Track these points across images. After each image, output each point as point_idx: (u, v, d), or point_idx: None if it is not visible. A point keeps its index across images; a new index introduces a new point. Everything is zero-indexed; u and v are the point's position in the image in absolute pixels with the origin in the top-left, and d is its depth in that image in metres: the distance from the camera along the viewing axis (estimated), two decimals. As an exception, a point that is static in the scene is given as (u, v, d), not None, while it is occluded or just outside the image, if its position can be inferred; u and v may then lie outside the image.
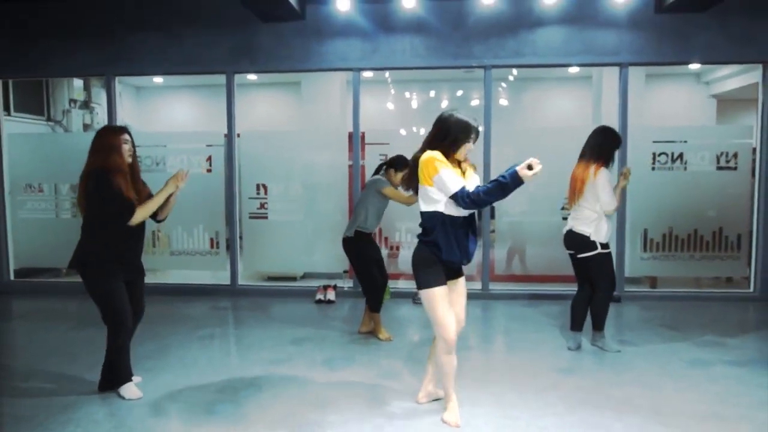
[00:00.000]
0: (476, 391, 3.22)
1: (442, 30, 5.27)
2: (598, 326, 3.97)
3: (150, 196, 3.20)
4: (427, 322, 4.71)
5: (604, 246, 3.82)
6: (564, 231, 3.97)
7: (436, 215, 2.71)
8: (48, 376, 3.51)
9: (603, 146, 3.83)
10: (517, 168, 2.59)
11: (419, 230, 2.86)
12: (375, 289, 4.21)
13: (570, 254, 3.99)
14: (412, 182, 2.85)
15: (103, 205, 3.04)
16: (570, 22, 5.18)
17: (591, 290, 3.96)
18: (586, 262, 3.86)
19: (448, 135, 2.72)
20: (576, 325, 3.99)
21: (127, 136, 3.15)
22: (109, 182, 3.00)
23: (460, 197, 2.61)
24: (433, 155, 2.68)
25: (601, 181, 3.74)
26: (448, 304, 2.75)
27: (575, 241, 3.88)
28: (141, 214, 3.08)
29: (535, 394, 3.19)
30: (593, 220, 3.80)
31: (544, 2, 5.07)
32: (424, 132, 5.93)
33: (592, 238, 3.79)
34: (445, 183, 2.63)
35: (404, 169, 4.05)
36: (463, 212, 2.73)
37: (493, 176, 5.35)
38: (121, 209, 3.03)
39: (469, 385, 3.27)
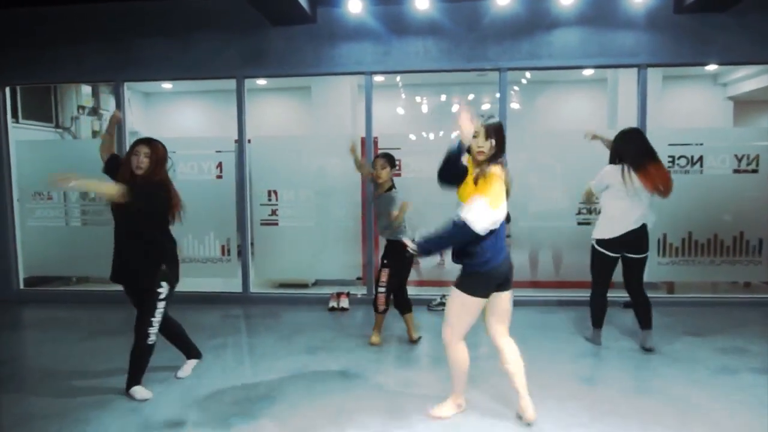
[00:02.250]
0: (497, 401, 3.12)
1: (456, 32, 5.19)
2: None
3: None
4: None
5: (600, 244, 3.94)
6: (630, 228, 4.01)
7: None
8: (59, 388, 3.45)
9: (618, 150, 3.95)
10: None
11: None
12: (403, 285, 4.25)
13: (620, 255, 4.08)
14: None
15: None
16: (587, 23, 5.09)
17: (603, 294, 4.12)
18: (641, 262, 4.04)
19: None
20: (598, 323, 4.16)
21: (139, 147, 3.22)
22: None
23: (463, 226, 2.57)
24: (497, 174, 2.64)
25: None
26: (474, 319, 2.73)
27: (643, 238, 4.00)
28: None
29: (558, 404, 3.10)
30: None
31: (561, 3, 4.98)
32: (434, 137, 5.89)
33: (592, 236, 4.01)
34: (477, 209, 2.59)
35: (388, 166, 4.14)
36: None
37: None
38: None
39: (490, 395, 3.17)
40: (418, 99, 8.79)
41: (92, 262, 5.86)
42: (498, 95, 5.39)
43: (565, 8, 5.04)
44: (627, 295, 4.13)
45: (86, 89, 7.64)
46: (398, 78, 7.84)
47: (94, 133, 7.65)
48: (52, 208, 5.98)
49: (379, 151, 5.46)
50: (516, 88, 8.09)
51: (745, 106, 8.36)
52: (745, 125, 8.30)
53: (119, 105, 5.73)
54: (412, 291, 5.59)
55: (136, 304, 3.29)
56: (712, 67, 7.52)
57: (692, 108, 8.16)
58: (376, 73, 5.42)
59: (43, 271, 6.14)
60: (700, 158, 5.26)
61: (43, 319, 5.21)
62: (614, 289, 4.19)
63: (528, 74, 6.90)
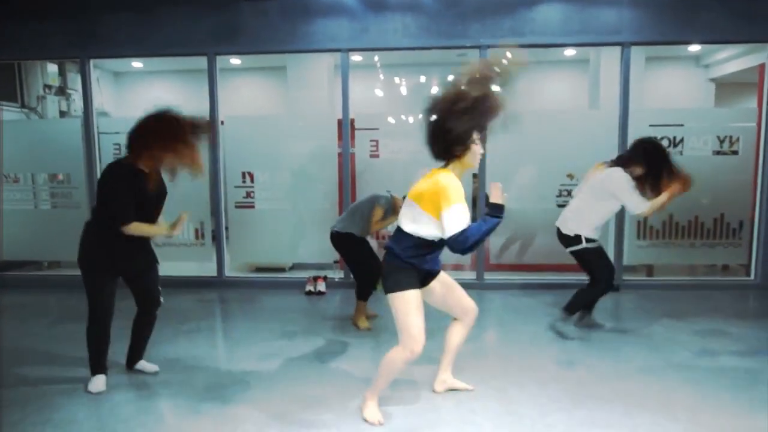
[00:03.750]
0: (475, 385, 3.05)
1: (436, 8, 5.02)
2: (570, 309, 3.88)
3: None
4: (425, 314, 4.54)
5: (590, 241, 3.77)
6: (557, 223, 3.97)
7: (424, 240, 2.54)
8: (25, 375, 3.29)
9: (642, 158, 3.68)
10: (494, 200, 2.47)
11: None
12: (369, 275, 4.10)
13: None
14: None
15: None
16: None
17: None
18: (578, 255, 3.86)
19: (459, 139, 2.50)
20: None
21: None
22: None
23: (455, 241, 2.38)
24: (449, 182, 2.41)
25: (623, 184, 3.62)
26: (421, 312, 2.55)
27: (564, 239, 3.87)
28: (135, 228, 2.90)
29: (538, 388, 3.04)
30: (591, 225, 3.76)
31: (542, -21, 4.85)
32: (413, 119, 5.74)
33: (583, 241, 3.76)
34: (451, 220, 2.38)
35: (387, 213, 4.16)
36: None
37: (491, 162, 5.18)
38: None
39: (467, 379, 3.10)
40: (396, 80, 8.61)
41: (63, 245, 5.65)
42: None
43: (548, -16, 4.90)
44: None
45: (52, 68, 7.33)
46: (376, 58, 7.64)
47: (62, 114, 7.36)
48: (20, 191, 5.75)
49: (359, 134, 5.34)
50: (497, 68, 7.94)
51: (727, 88, 8.35)
52: (727, 107, 8.30)
53: (86, 84, 5.47)
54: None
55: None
56: (694, 48, 7.49)
57: (674, 89, 8.12)
58: (352, 50, 5.23)
59: (12, 256, 5.91)
60: (681, 139, 5.22)
61: (12, 304, 5.00)
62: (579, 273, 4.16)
63: (509, 54, 6.76)
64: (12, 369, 3.41)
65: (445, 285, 2.78)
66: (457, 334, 2.89)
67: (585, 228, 3.76)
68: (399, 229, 2.61)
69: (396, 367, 2.60)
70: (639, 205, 3.60)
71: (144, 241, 3.08)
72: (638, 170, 3.68)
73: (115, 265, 2.96)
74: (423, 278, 2.66)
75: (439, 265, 2.71)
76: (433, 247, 2.57)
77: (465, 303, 2.83)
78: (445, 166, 2.56)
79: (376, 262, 4.13)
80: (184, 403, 2.91)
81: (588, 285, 3.92)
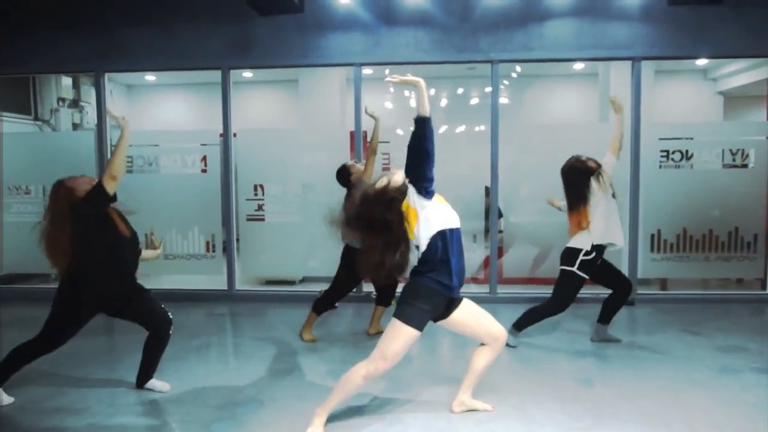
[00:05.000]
0: (496, 404, 3.00)
1: (448, 23, 5.05)
2: (519, 324, 3.96)
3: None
4: (435, 329, 4.50)
5: (583, 269, 3.78)
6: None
7: (437, 237, 2.54)
8: (31, 391, 3.25)
9: (576, 185, 3.82)
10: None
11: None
12: (339, 292, 4.15)
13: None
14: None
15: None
16: (581, 14, 4.98)
17: (615, 291, 3.97)
18: (560, 275, 3.88)
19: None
20: (603, 319, 4.03)
21: None
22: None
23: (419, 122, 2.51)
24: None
25: (606, 168, 3.79)
26: (407, 348, 2.63)
27: (565, 254, 3.89)
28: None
29: (558, 406, 2.98)
30: (597, 236, 3.78)
31: (554, -7, 4.88)
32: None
33: (581, 255, 3.77)
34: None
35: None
36: (457, 222, 2.60)
37: (502, 176, 5.17)
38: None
39: (485, 396, 3.05)
40: (406, 93, 8.65)
41: (71, 259, 5.68)
42: (489, 89, 5.26)
43: (559, -1, 4.93)
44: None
45: (66, 81, 7.40)
46: (387, 71, 7.68)
47: (75, 126, 7.42)
48: (30, 203, 5.76)
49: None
50: (506, 82, 7.98)
51: (735, 101, 8.34)
52: (735, 120, 8.28)
53: (100, 97, 5.51)
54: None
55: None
56: (702, 62, 7.50)
57: (683, 103, 8.12)
58: (365, 64, 5.26)
59: (21, 268, 5.91)
60: (692, 154, 5.19)
61: (19, 318, 4.98)
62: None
63: (518, 68, 6.80)
64: (19, 384, 3.34)
65: (472, 315, 2.77)
66: (483, 359, 2.85)
67: (588, 241, 3.77)
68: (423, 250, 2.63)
69: (356, 384, 2.62)
70: (610, 157, 3.85)
71: (126, 275, 3.09)
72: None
73: (100, 307, 3.02)
74: (449, 301, 2.68)
75: (459, 281, 2.67)
76: (447, 245, 2.55)
77: (493, 330, 2.79)
78: None
79: (344, 288, 4.15)
80: (196, 421, 2.85)
81: (612, 296, 3.98)
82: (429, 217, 2.53)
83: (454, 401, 2.94)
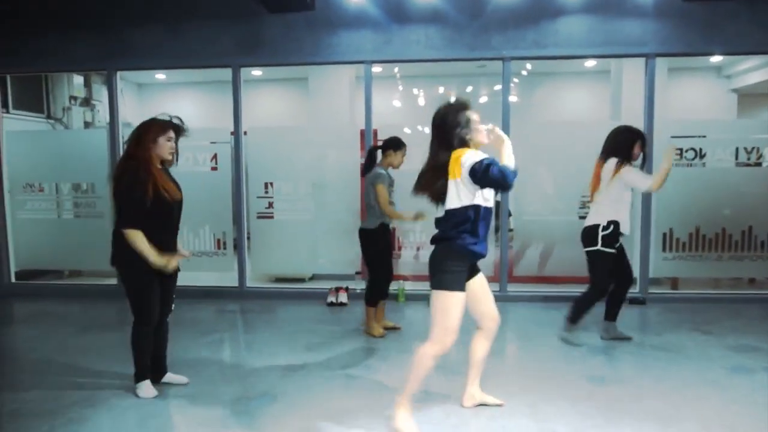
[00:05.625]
0: (507, 401, 3.00)
1: (459, 20, 5.03)
2: (572, 318, 3.95)
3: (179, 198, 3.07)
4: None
5: (606, 245, 3.77)
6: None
7: (471, 208, 2.58)
8: (50, 385, 3.30)
9: (619, 143, 3.82)
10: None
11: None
12: (382, 282, 4.14)
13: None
14: (433, 189, 2.64)
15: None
16: (593, 11, 4.94)
17: (617, 284, 3.96)
18: (588, 257, 3.89)
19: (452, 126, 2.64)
20: (609, 315, 4.02)
21: (171, 133, 3.00)
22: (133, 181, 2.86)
23: (489, 165, 2.47)
24: (459, 151, 2.60)
25: (630, 176, 3.73)
26: (462, 312, 2.63)
27: (585, 234, 3.90)
28: (133, 237, 2.88)
29: (570, 404, 2.98)
30: (608, 214, 3.78)
31: (566, -10, 4.84)
32: (430, 130, 5.76)
33: (600, 230, 3.77)
34: (474, 158, 2.52)
35: (403, 148, 4.12)
36: (492, 202, 2.67)
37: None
38: (126, 215, 2.89)
39: (497, 393, 3.05)
40: (415, 91, 8.64)
41: (85, 255, 5.76)
42: (500, 86, 5.24)
43: (571, -5, 4.90)
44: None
45: (78, 79, 7.46)
46: (396, 69, 7.68)
47: (86, 124, 7.48)
48: (44, 200, 5.82)
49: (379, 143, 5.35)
50: (516, 80, 7.95)
51: (748, 98, 8.24)
52: (749, 118, 8.19)
53: (112, 95, 5.56)
54: (413, 286, 5.55)
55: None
56: (716, 59, 7.42)
57: (696, 101, 8.04)
58: (376, 62, 5.26)
59: (34, 265, 6.00)
60: (705, 152, 5.15)
61: (34, 314, 5.06)
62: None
63: (529, 65, 6.76)
64: (36, 379, 3.42)
65: (484, 288, 2.82)
66: (481, 346, 2.88)
67: (603, 218, 3.78)
68: (442, 217, 2.67)
69: (427, 364, 2.63)
70: (645, 181, 3.72)
71: (173, 246, 3.08)
72: (637, 150, 3.82)
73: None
74: (471, 267, 2.71)
75: (486, 250, 2.69)
76: (478, 218, 2.59)
77: (493, 311, 2.86)
78: None
79: (385, 271, 4.15)
80: (210, 416, 2.88)
81: (614, 289, 3.97)
82: (467, 186, 2.57)
83: (464, 395, 2.95)
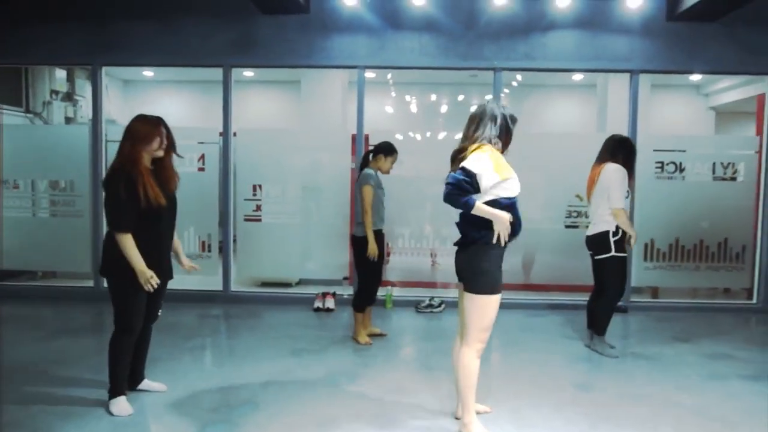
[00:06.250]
0: (493, 407, 3.03)
1: (453, 29, 5.10)
2: (599, 330, 4.00)
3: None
4: (433, 332, 4.57)
5: (619, 250, 3.82)
6: (586, 234, 4.01)
7: (488, 204, 2.55)
8: (18, 394, 3.14)
9: (618, 152, 3.87)
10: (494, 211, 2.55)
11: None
12: (370, 288, 4.13)
13: (590, 255, 4.03)
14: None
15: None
16: (582, 27, 5.07)
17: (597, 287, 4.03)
18: (601, 264, 3.91)
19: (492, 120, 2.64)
20: (592, 323, 4.07)
21: (162, 127, 2.91)
22: (118, 185, 2.75)
23: (455, 179, 2.50)
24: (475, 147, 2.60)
25: (616, 176, 3.76)
26: (497, 310, 2.64)
27: (594, 242, 3.91)
28: (124, 241, 2.77)
29: (554, 410, 3.02)
30: (610, 219, 3.81)
31: (557, 6, 4.96)
32: (421, 137, 5.83)
33: (611, 237, 3.79)
34: (470, 161, 2.53)
35: (394, 155, 4.11)
36: (515, 191, 2.61)
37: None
38: (117, 218, 2.79)
39: (485, 401, 3.08)
40: (407, 98, 8.69)
41: (60, 255, 5.58)
42: (490, 96, 5.32)
43: (562, 11, 5.01)
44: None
45: (60, 73, 7.29)
46: (389, 75, 7.72)
47: (68, 120, 7.31)
48: (19, 197, 5.61)
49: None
50: (506, 90, 8.06)
51: (725, 116, 8.53)
52: (726, 135, 8.46)
53: (96, 91, 5.46)
54: (400, 291, 5.56)
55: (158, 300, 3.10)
56: (695, 78, 7.66)
57: (676, 117, 8.28)
58: (369, 67, 5.28)
59: (6, 265, 5.75)
60: (684, 166, 5.30)
61: (4, 317, 4.86)
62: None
63: (519, 77, 6.89)
64: (2, 387, 3.23)
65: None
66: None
67: (610, 224, 3.81)
68: (463, 219, 2.64)
69: (473, 367, 2.62)
70: (619, 200, 3.73)
71: (167, 249, 3.03)
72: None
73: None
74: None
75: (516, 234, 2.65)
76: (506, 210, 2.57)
77: None
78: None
79: (376, 278, 4.15)
80: (190, 424, 2.79)
81: (595, 299, 4.02)
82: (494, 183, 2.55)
83: (457, 407, 2.94)
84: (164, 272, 2.98)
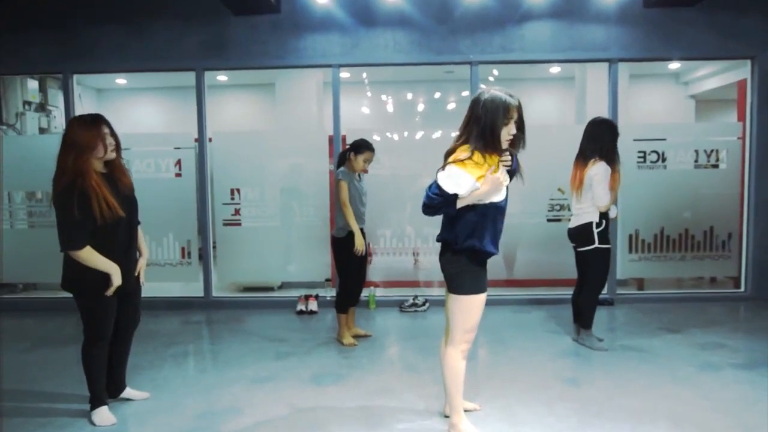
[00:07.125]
0: (483, 405, 2.96)
1: (426, 24, 5.03)
2: (585, 324, 3.95)
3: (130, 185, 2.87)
4: (418, 331, 4.49)
5: (603, 241, 3.79)
6: (569, 226, 3.96)
7: (470, 209, 2.43)
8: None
9: (600, 138, 3.78)
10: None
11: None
12: (352, 289, 4.07)
13: (573, 247, 3.98)
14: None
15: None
16: (558, 16, 5.02)
17: (581, 278, 4.00)
18: (585, 256, 3.87)
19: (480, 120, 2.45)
20: (578, 317, 4.02)
21: (104, 128, 2.72)
22: (70, 202, 2.57)
23: (435, 183, 2.41)
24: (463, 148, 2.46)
25: (597, 172, 3.70)
26: (482, 311, 2.56)
27: (577, 234, 3.87)
28: (82, 255, 2.63)
29: (544, 407, 2.95)
30: (593, 211, 3.78)
31: (532, -5, 4.91)
32: (398, 136, 5.74)
33: (594, 228, 3.75)
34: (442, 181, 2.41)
35: (364, 152, 3.96)
36: (503, 196, 2.50)
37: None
38: (70, 237, 2.61)
39: (474, 398, 3.00)
40: (384, 97, 8.62)
41: (40, 267, 5.44)
42: (467, 93, 5.26)
43: (537, 1, 4.96)
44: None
45: (33, 83, 7.13)
46: (364, 74, 7.64)
47: (42, 131, 7.15)
48: (-12, 209, 5.50)
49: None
50: (483, 86, 8.01)
51: (705, 104, 8.55)
52: (707, 122, 8.48)
53: (68, 100, 5.32)
54: (383, 291, 5.48)
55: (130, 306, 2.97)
56: (674, 66, 7.66)
57: (656, 107, 8.28)
58: (343, 66, 5.20)
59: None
60: (666, 154, 5.27)
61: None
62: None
63: (496, 71, 6.83)
64: None
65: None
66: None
67: (593, 215, 3.76)
68: (446, 220, 2.55)
69: (458, 368, 2.55)
70: (604, 197, 3.69)
71: (132, 248, 2.89)
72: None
73: (106, 285, 2.71)
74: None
75: (497, 249, 2.53)
76: (488, 217, 2.45)
77: None
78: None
79: (357, 279, 4.08)
80: None
81: (579, 292, 3.97)
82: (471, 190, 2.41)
83: (445, 404, 2.88)
84: (131, 272, 2.87)
